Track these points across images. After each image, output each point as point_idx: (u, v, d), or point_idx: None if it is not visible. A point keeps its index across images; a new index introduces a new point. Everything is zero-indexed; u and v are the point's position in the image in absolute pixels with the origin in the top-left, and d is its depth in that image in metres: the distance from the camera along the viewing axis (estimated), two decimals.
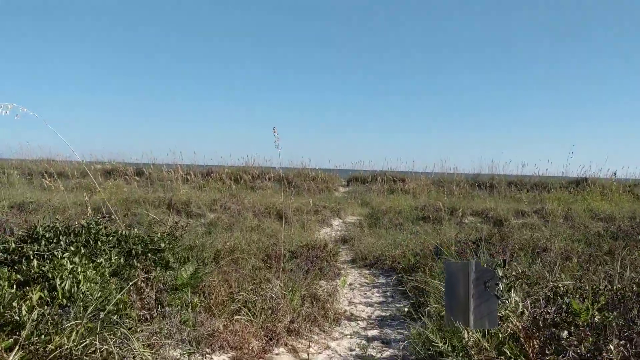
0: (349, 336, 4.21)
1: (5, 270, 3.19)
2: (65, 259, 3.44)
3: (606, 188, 18.08)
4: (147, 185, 16.86)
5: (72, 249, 3.74)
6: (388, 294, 5.75)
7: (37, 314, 2.77)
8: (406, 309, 4.72)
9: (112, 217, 5.63)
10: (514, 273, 2.92)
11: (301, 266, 5.96)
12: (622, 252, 5.21)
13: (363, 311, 4.94)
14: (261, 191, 17.45)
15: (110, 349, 2.69)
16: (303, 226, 11.98)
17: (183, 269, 4.18)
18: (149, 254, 4.23)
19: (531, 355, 2.68)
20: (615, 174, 18.99)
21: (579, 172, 20.07)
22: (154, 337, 3.11)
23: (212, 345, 3.43)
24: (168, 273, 4.07)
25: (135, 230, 5.00)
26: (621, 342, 2.46)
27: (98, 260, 3.68)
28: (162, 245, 4.38)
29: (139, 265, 3.94)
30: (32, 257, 3.52)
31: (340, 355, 3.77)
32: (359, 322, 4.60)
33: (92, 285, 3.25)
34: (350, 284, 6.22)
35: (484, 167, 21.60)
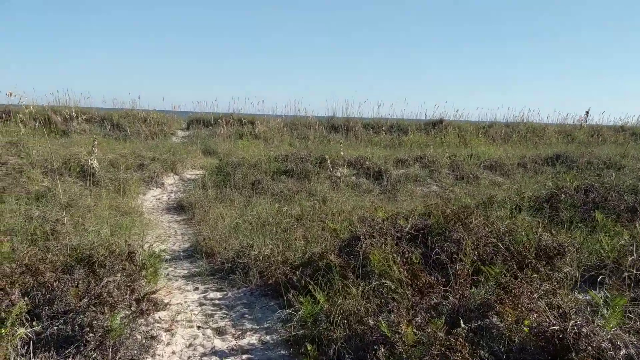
0: None
1: None
2: None
3: (462, 129, 17.49)
4: None
5: None
6: None
7: None
8: None
9: None
10: None
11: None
12: None
13: None
14: (76, 136, 13.58)
15: None
16: (119, 189, 8.44)
17: None
18: None
19: None
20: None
21: (434, 113, 19.48)
22: None
23: None
24: None
25: None
26: None
27: None
28: None
29: None
30: None
31: None
32: None
33: None
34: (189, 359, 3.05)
35: (338, 110, 19.74)
